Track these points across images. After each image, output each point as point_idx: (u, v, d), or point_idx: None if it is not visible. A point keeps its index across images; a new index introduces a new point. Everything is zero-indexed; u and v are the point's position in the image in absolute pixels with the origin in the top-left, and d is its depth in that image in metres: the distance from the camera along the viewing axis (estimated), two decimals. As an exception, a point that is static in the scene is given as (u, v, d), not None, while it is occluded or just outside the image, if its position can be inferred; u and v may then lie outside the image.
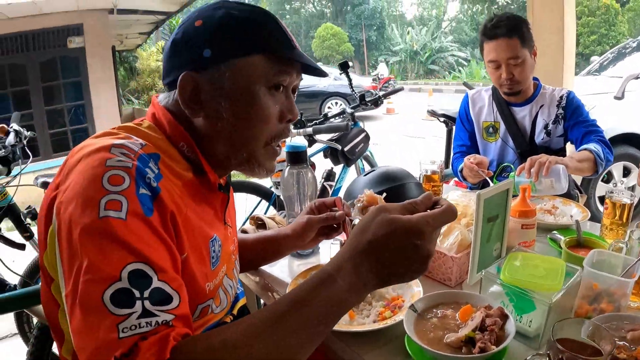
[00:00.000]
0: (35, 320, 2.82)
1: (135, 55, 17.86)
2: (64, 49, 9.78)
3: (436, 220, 0.86)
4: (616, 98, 5.08)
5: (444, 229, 1.57)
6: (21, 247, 2.30)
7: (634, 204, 1.79)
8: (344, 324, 1.29)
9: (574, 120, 2.48)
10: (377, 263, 0.85)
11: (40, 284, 1.08)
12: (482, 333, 1.09)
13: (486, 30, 2.44)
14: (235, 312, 1.29)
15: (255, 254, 1.57)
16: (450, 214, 0.88)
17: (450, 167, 2.86)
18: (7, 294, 1.70)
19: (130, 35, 14.36)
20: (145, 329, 0.80)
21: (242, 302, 1.36)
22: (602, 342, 0.95)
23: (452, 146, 3.03)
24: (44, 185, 2.70)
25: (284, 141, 1.52)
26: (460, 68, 31.20)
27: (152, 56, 16.70)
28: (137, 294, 0.82)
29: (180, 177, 1.06)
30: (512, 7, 28.13)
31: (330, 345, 1.27)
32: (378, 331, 1.24)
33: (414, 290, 1.40)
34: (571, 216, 1.94)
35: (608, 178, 5.34)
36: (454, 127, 4.03)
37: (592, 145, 2.32)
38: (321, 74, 1.21)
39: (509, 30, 2.36)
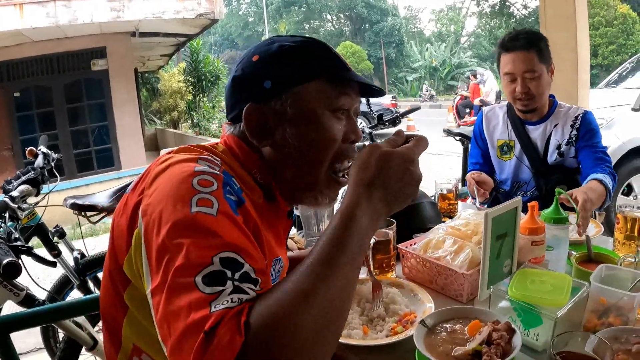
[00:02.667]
0: (61, 334, 2.90)
1: (157, 76, 18.10)
2: (87, 71, 10.00)
3: (418, 148, 0.98)
4: (634, 110, 5.08)
5: (455, 246, 1.62)
6: (53, 264, 2.38)
7: None
8: (358, 339, 1.34)
9: (585, 143, 2.44)
10: (385, 191, 0.92)
11: (98, 293, 1.14)
12: (488, 347, 1.13)
13: (504, 43, 2.44)
14: None
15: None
16: (424, 142, 1.00)
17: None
18: (68, 300, 1.78)
19: (152, 57, 14.58)
20: (236, 304, 0.80)
21: None
22: (606, 356, 0.98)
23: (467, 164, 3.04)
24: (73, 206, 2.78)
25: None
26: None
27: (173, 77, 16.90)
28: (229, 274, 0.84)
29: (252, 200, 1.11)
30: (530, 20, 28.07)
31: (344, 358, 1.31)
32: (390, 345, 1.28)
33: (426, 307, 1.45)
34: (588, 235, 1.94)
35: (628, 191, 5.31)
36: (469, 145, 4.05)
37: (607, 179, 2.24)
38: (379, 93, 1.25)
39: (527, 43, 2.36)
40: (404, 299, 1.52)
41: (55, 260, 2.44)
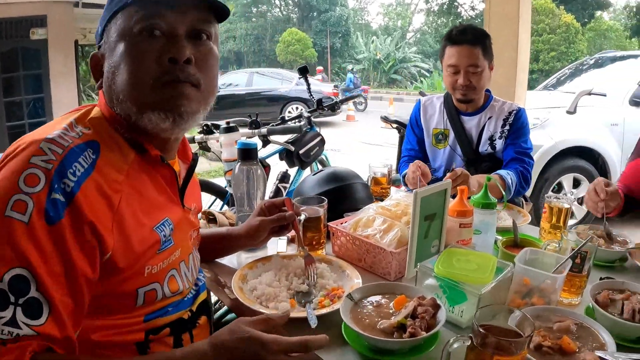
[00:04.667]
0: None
1: (98, 50, 17.60)
2: (26, 39, 9.55)
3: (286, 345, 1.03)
4: (568, 112, 5.28)
5: (385, 225, 1.64)
6: None
7: (571, 209, 1.87)
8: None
9: (512, 140, 2.56)
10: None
11: None
12: (413, 320, 1.15)
13: (451, 36, 2.51)
14: (194, 307, 1.30)
15: (209, 249, 1.60)
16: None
17: (398, 166, 2.89)
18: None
19: (93, 30, 14.05)
20: (5, 337, 0.87)
21: (202, 296, 1.37)
22: (527, 331, 1.01)
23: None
24: None
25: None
26: (422, 79, 31.69)
27: (115, 52, 16.47)
28: (12, 299, 0.88)
29: (124, 162, 1.10)
30: (477, 21, 28.71)
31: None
32: (318, 318, 1.27)
33: (354, 282, 1.45)
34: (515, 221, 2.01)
35: (559, 189, 5.51)
36: (406, 134, 4.14)
37: (510, 176, 2.39)
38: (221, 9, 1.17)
39: (474, 39, 2.45)
40: (332, 275, 1.53)
41: None
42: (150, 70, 1.07)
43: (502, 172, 2.40)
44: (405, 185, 2.55)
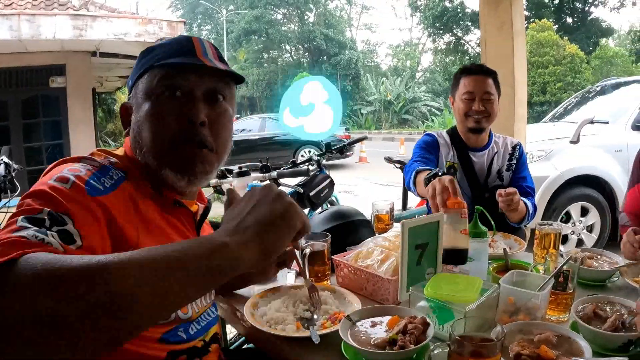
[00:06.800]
0: None
1: (114, 97, 17.98)
2: (45, 87, 9.89)
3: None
4: (572, 142, 5.38)
5: (382, 255, 1.78)
6: None
7: (560, 233, 2.00)
8: (291, 332, 1.46)
9: (518, 175, 2.76)
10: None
11: None
12: (403, 335, 1.28)
13: (467, 68, 2.76)
14: (207, 338, 1.39)
15: (223, 285, 1.72)
16: None
17: (404, 174, 2.84)
18: None
19: (110, 78, 14.50)
20: (26, 234, 0.87)
21: (214, 328, 1.45)
22: (498, 336, 1.12)
23: (407, 192, 3.16)
24: None
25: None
26: (433, 117, 31.86)
27: (130, 99, 16.78)
28: (47, 223, 0.93)
29: (147, 194, 1.24)
30: (482, 58, 28.93)
31: (280, 350, 1.45)
32: (320, 337, 1.40)
33: (354, 307, 1.59)
34: (506, 248, 2.13)
35: (567, 218, 5.60)
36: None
37: (529, 203, 2.57)
38: (235, 77, 1.31)
39: (487, 71, 2.71)
40: (335, 301, 1.66)
41: None
42: (169, 130, 1.22)
43: (524, 200, 2.54)
44: (415, 188, 2.54)
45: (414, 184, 2.49)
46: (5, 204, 2.83)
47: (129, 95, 1.34)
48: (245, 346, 2.11)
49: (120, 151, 1.32)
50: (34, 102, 10.02)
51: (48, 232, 0.91)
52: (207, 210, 1.47)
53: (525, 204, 2.52)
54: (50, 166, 1.16)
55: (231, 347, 2.10)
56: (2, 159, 2.95)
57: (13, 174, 2.95)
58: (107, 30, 8.57)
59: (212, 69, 1.25)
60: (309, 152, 14.92)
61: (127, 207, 1.14)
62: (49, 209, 0.96)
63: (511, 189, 2.30)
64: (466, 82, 2.70)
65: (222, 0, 50.81)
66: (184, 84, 1.23)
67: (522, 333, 1.33)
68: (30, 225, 0.90)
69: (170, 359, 1.24)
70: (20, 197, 1.05)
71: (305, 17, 49.00)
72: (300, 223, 0.98)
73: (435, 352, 1.11)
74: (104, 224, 1.05)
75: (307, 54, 48.02)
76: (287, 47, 49.40)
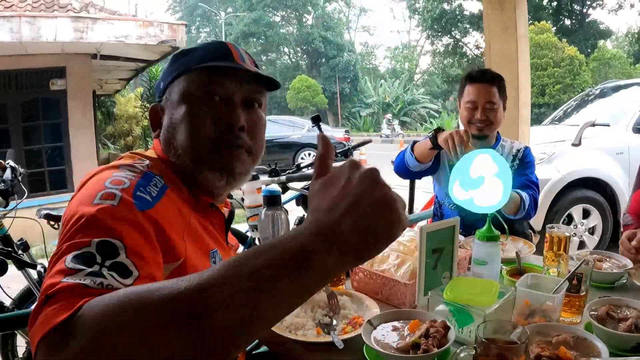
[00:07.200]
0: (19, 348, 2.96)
1: (114, 100, 17.93)
2: (46, 90, 9.84)
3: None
4: (573, 145, 5.41)
5: (398, 260, 1.80)
6: (33, 266, 2.46)
7: (570, 237, 2.03)
8: (313, 338, 1.49)
9: (520, 172, 2.75)
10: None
11: None
12: (426, 339, 1.30)
13: (472, 75, 2.75)
14: None
15: None
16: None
17: (395, 160, 2.90)
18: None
19: (110, 81, 14.49)
20: (87, 283, 0.80)
21: None
22: (522, 339, 1.15)
23: (414, 194, 3.21)
24: (47, 216, 2.90)
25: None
26: (432, 119, 31.92)
27: (129, 102, 16.78)
28: (98, 259, 0.86)
29: (185, 198, 1.24)
30: (482, 59, 29.11)
31: (299, 355, 1.47)
32: (342, 341, 1.43)
33: (372, 312, 1.61)
34: (518, 251, 2.16)
35: (569, 220, 5.64)
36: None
37: (524, 195, 2.56)
38: (271, 83, 1.32)
39: (492, 78, 2.69)
40: (353, 306, 1.68)
41: (34, 264, 2.50)
42: (208, 133, 1.22)
43: (519, 191, 2.57)
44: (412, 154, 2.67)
45: (412, 150, 2.67)
46: (14, 208, 2.84)
47: (158, 97, 1.35)
48: (255, 351, 2.12)
49: (150, 152, 1.32)
50: (34, 104, 9.97)
51: (103, 270, 0.85)
52: (231, 214, 1.50)
53: (519, 194, 2.54)
54: (87, 177, 1.14)
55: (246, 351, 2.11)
56: (8, 163, 2.97)
57: (19, 178, 2.97)
58: (108, 33, 8.55)
59: (252, 74, 1.27)
60: (309, 154, 14.96)
61: (175, 217, 1.14)
62: (97, 240, 0.90)
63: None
64: (470, 90, 2.72)
65: (220, 3, 50.91)
66: (223, 88, 1.24)
67: (540, 335, 1.36)
68: (83, 267, 0.83)
69: None
70: (64, 219, 1.00)
71: (304, 20, 49.08)
72: (402, 232, 0.76)
73: (462, 355, 1.13)
74: (155, 239, 1.03)
75: (305, 56, 48.11)
76: (286, 50, 49.50)
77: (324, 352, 1.43)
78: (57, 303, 0.73)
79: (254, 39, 46.11)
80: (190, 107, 1.23)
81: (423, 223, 2.75)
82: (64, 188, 10.12)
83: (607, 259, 2.02)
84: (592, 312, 1.48)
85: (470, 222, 2.45)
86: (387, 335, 1.40)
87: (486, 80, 2.69)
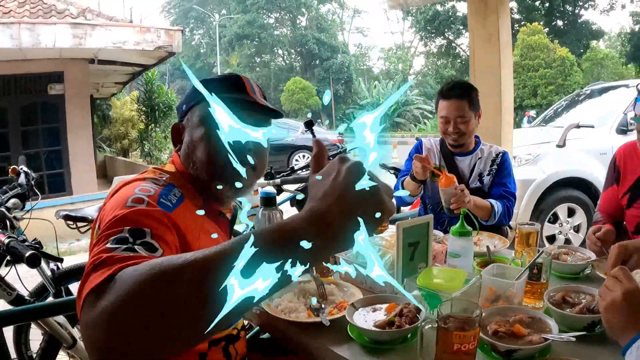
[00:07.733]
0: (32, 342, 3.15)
1: (109, 103, 17.94)
2: (44, 94, 10.01)
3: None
4: (558, 146, 5.61)
5: (379, 252, 2.02)
6: (60, 260, 2.64)
7: (539, 232, 2.26)
8: (304, 319, 1.71)
9: (498, 180, 2.97)
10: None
11: None
12: (400, 318, 1.54)
13: (443, 91, 2.96)
14: (239, 326, 1.68)
15: None
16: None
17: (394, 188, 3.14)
18: (54, 300, 2.07)
19: (106, 84, 14.59)
20: (124, 254, 1.00)
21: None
22: (476, 312, 1.36)
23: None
24: (66, 217, 3.18)
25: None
26: (426, 120, 32.17)
27: (125, 105, 16.81)
28: (131, 240, 1.07)
29: (199, 206, 1.48)
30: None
31: (293, 334, 1.69)
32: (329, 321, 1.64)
33: (356, 297, 1.83)
34: (490, 246, 2.34)
35: (555, 219, 5.85)
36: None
37: (497, 205, 2.81)
38: (275, 113, 1.58)
39: (461, 93, 2.88)
40: (340, 293, 1.91)
41: (61, 257, 2.68)
42: (222, 154, 1.39)
43: (492, 201, 2.81)
44: (404, 188, 2.94)
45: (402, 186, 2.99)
46: (30, 209, 3.04)
47: (180, 117, 1.59)
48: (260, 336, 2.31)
49: (169, 167, 1.58)
50: (33, 109, 10.13)
51: (135, 246, 1.06)
52: (234, 217, 1.74)
53: (491, 203, 2.77)
54: (117, 187, 1.38)
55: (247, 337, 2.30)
56: (22, 168, 3.18)
57: (32, 182, 3.17)
58: (105, 39, 8.68)
59: (262, 107, 1.53)
60: (304, 156, 15.11)
61: (191, 221, 1.38)
62: (129, 227, 1.12)
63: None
64: (442, 105, 2.93)
65: (214, 5, 50.98)
66: None
67: (500, 315, 1.58)
68: (119, 245, 1.04)
69: (212, 345, 1.51)
70: (99, 221, 1.24)
71: (298, 21, 49.15)
72: (388, 216, 0.84)
73: (426, 327, 1.35)
74: (176, 236, 1.28)
75: (299, 58, 48.20)
76: (280, 52, 49.51)
77: (314, 331, 1.64)
78: (100, 270, 0.90)
79: (248, 41, 46.14)
80: (207, 131, 1.48)
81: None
82: (62, 191, 10.25)
83: (574, 252, 2.22)
84: (551, 297, 1.70)
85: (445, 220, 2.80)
86: (367, 315, 1.64)
87: (455, 96, 2.88)
